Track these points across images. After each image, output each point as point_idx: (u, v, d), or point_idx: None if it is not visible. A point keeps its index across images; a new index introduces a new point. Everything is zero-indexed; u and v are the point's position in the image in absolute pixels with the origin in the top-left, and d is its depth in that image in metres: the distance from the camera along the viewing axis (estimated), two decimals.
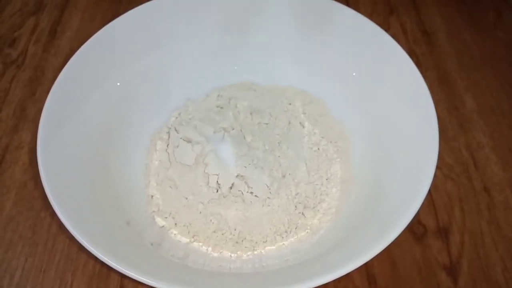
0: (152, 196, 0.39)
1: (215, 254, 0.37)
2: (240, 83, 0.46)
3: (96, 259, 0.30)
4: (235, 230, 0.37)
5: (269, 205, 0.38)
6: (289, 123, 0.44)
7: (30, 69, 0.48)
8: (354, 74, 0.42)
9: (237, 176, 0.38)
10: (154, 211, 0.39)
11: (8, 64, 0.49)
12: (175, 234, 0.37)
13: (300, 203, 0.39)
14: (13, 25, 0.52)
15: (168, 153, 0.41)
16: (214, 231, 0.37)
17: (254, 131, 0.41)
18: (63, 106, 0.37)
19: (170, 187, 0.40)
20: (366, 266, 0.36)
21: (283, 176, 0.39)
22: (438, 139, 0.34)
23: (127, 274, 0.29)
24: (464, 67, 0.49)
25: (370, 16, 0.43)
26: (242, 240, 0.37)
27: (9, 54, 0.50)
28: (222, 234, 0.37)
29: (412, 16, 0.53)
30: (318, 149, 0.42)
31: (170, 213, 0.38)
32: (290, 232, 0.37)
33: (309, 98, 0.45)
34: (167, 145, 0.41)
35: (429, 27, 0.52)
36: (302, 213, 0.38)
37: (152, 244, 0.35)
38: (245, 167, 0.38)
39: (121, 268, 0.29)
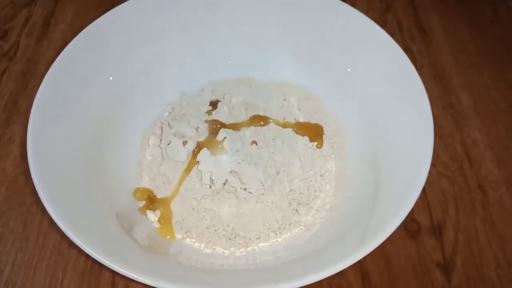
0: None
1: (208, 251, 0.36)
2: (235, 78, 0.46)
3: (87, 255, 0.30)
4: (228, 226, 0.37)
5: (262, 202, 0.38)
6: (284, 118, 0.43)
7: (22, 62, 0.48)
8: (349, 70, 0.42)
9: (230, 172, 0.38)
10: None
11: (0, 57, 0.48)
12: None
13: (294, 199, 0.38)
14: (5, 17, 0.51)
15: (161, 148, 0.40)
16: (207, 227, 0.37)
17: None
18: (55, 99, 0.37)
19: (163, 182, 0.39)
20: (360, 263, 0.36)
21: (277, 173, 0.39)
22: (433, 136, 0.34)
23: (119, 271, 0.29)
24: (461, 64, 0.48)
25: (366, 12, 0.42)
26: (235, 237, 0.37)
27: (0, 46, 0.49)
28: (215, 230, 0.37)
29: (409, 13, 0.53)
30: (313, 145, 0.42)
31: None
32: (284, 228, 0.37)
33: (304, 94, 0.45)
34: (160, 140, 0.41)
35: (425, 24, 0.52)
36: (296, 210, 0.38)
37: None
38: (239, 163, 0.38)
39: (112, 265, 0.29)
